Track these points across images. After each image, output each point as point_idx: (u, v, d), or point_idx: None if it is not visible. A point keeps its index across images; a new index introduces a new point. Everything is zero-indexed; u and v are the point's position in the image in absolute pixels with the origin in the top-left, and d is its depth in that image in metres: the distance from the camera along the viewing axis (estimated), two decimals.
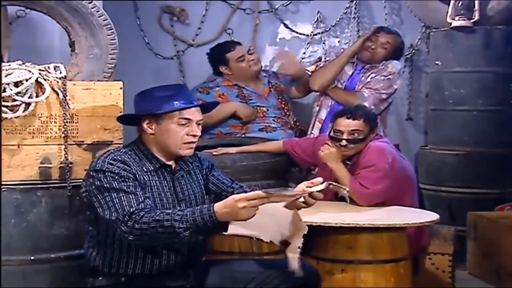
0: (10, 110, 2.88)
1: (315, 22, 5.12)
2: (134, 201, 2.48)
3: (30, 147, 2.97)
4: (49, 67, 3.03)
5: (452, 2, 4.60)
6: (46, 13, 3.21)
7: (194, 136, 2.69)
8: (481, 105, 4.68)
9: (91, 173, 2.59)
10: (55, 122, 3.00)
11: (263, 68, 4.71)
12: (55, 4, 3.14)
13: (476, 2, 4.57)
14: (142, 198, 2.52)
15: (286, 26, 5.15)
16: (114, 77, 3.28)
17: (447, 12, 4.63)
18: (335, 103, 4.36)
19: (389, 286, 3.11)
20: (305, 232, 2.60)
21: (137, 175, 2.59)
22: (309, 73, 4.49)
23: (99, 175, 2.55)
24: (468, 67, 4.69)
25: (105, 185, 2.53)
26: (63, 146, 3.00)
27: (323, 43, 5.13)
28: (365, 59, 4.44)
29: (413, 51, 5.17)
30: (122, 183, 2.53)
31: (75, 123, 3.03)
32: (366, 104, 4.11)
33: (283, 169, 4.14)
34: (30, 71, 2.93)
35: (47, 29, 3.80)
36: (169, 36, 5.07)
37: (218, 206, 2.40)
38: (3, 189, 2.88)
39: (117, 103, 3.11)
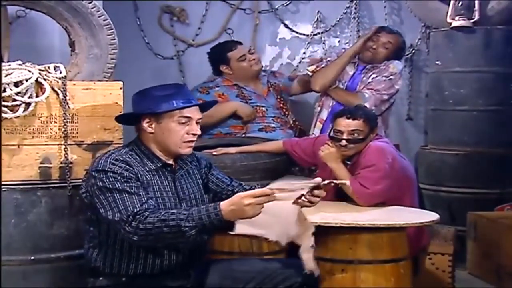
0: (10, 110, 2.89)
1: (315, 22, 5.12)
2: (138, 202, 2.49)
3: (30, 147, 2.97)
4: (49, 67, 3.04)
5: (452, 2, 4.60)
6: (46, 13, 3.21)
7: (194, 134, 2.69)
8: (481, 105, 4.67)
9: (93, 173, 2.58)
10: (55, 122, 3.00)
11: (263, 68, 4.71)
12: (55, 4, 3.15)
13: (476, 2, 4.56)
14: (145, 198, 2.52)
15: (286, 26, 5.14)
16: (114, 77, 3.28)
17: (447, 12, 4.63)
18: (336, 104, 4.34)
19: (389, 286, 3.10)
20: (313, 231, 2.60)
21: (139, 175, 2.59)
22: (310, 73, 4.48)
23: (101, 176, 2.55)
24: (468, 67, 4.68)
25: (108, 185, 2.52)
26: (63, 146, 3.01)
27: (323, 43, 5.13)
28: (366, 59, 4.43)
29: (413, 51, 5.16)
30: (125, 184, 2.52)
31: (75, 123, 3.04)
32: (367, 105, 4.09)
33: (283, 169, 4.13)
34: (30, 71, 2.93)
35: (47, 29, 3.80)
36: (169, 36, 5.07)
37: (224, 204, 2.41)
38: (3, 189, 2.88)
39: (117, 103, 3.11)
